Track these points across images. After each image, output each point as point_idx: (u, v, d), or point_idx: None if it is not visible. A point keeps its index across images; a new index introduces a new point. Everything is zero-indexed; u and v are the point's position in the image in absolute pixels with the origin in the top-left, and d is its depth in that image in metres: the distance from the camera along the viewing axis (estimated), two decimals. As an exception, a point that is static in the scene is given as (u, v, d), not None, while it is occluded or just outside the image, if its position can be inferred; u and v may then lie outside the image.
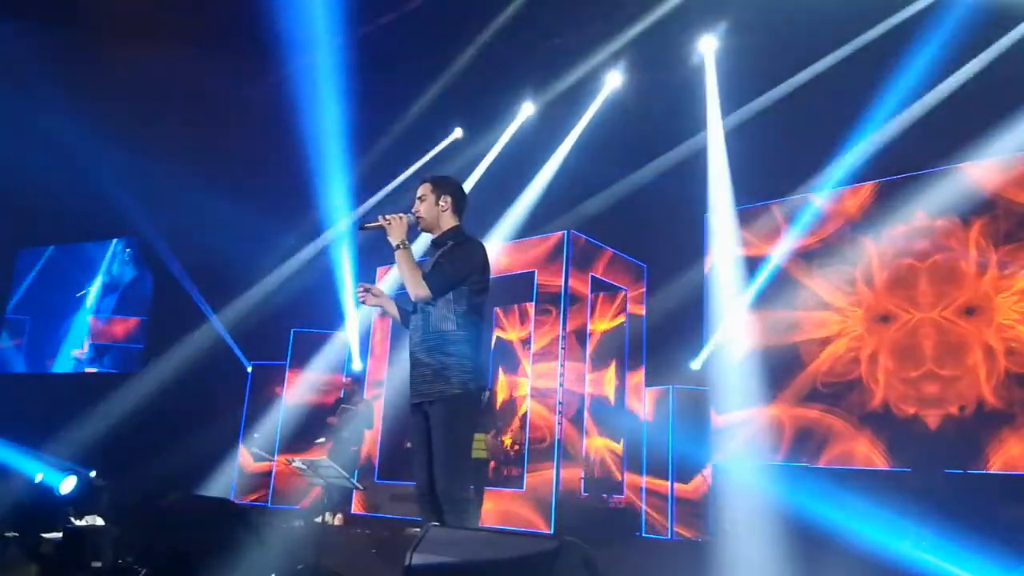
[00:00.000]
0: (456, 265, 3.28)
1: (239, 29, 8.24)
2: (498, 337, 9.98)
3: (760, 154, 7.92)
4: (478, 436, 7.30)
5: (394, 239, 3.29)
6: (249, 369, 10.47)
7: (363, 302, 3.46)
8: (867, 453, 7.30)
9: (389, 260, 9.79)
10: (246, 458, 9.93)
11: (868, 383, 7.39)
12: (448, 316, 3.24)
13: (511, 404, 9.40)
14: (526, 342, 8.80)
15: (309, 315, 10.15)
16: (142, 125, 9.20)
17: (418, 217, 3.39)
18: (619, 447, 8.73)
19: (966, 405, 6.74)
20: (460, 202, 3.46)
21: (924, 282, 7.19)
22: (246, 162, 9.52)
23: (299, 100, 9.25)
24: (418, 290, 3.23)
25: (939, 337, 7.05)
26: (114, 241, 12.15)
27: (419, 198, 3.43)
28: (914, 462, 6.87)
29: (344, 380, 9.10)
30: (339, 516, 8.17)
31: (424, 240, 3.91)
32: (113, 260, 12.19)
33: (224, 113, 9.21)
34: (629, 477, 8.55)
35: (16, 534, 4.61)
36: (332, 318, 10.15)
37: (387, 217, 3.32)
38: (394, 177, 10.20)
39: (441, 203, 3.40)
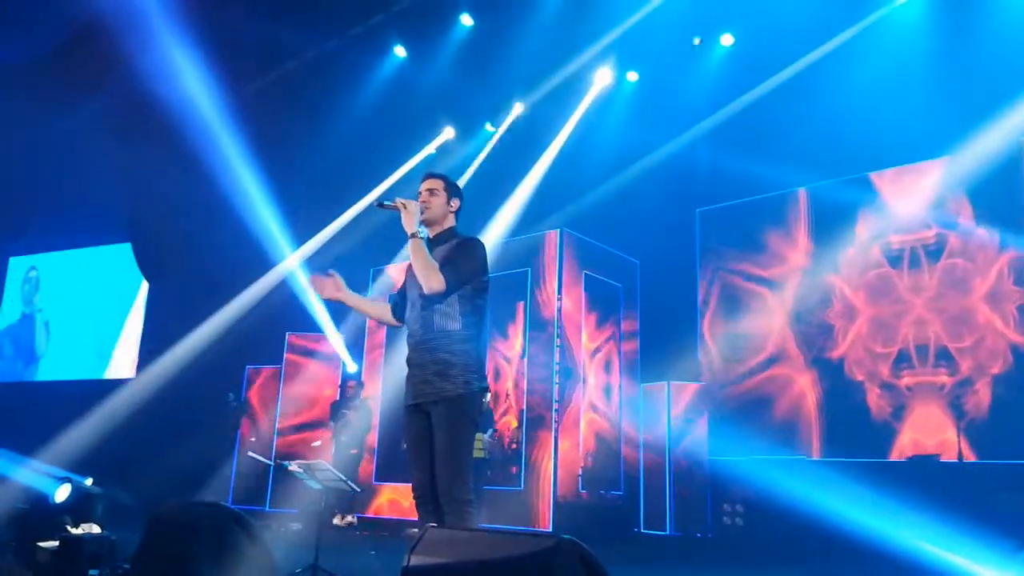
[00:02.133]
0: (469, 262, 3.27)
1: (229, 31, 8.21)
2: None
3: (750, 150, 7.95)
4: (477, 436, 7.30)
5: (409, 227, 3.23)
6: (245, 373, 10.44)
7: (319, 292, 3.39)
8: (803, 390, 7.67)
9: (381, 262, 9.86)
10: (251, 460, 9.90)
11: (837, 334, 7.59)
12: (453, 315, 3.21)
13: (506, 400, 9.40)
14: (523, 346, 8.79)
15: (304, 318, 10.13)
16: (132, 129, 9.18)
17: (426, 207, 3.37)
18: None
19: (1000, 361, 6.77)
20: (461, 208, 3.50)
21: (935, 279, 7.17)
22: (239, 165, 9.48)
23: (288, 101, 9.24)
24: (433, 282, 3.16)
25: (943, 317, 7.10)
26: (108, 247, 12.09)
27: (430, 191, 3.40)
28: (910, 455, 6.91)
29: (349, 383, 9.09)
30: (348, 518, 8.17)
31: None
32: (103, 265, 12.14)
33: (216, 116, 9.18)
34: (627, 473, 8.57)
35: (12, 542, 4.59)
36: (327, 320, 10.14)
37: (404, 202, 3.29)
38: (386, 176, 10.18)
39: (451, 204, 3.42)
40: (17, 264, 13.14)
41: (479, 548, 2.25)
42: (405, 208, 3.25)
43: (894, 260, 7.44)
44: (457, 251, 3.30)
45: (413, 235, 3.22)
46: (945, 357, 7.01)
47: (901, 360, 7.24)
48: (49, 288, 12.70)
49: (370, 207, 10.01)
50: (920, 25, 7.13)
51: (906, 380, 7.20)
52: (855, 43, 7.36)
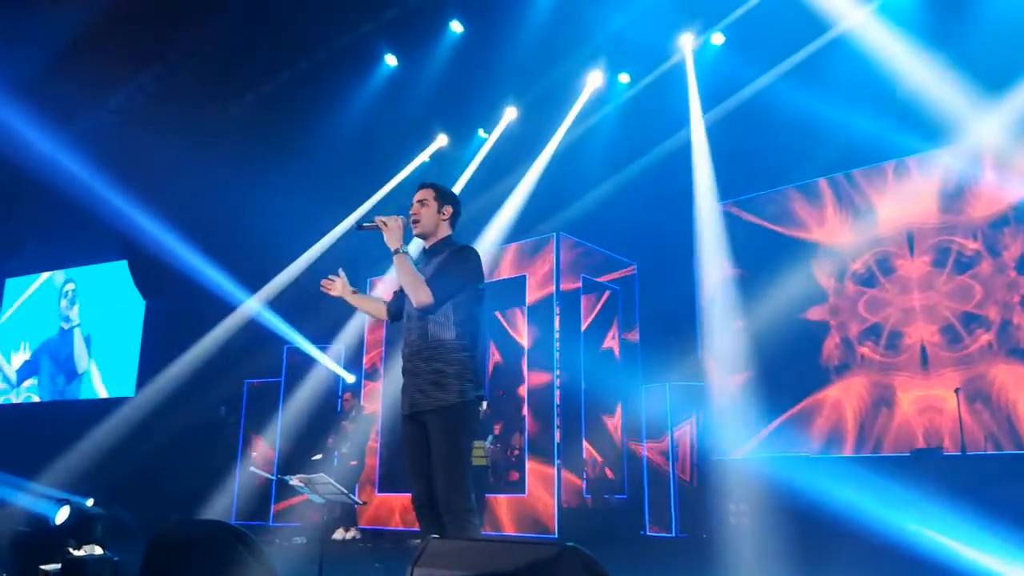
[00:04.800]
0: (460, 273, 3.25)
1: (219, 46, 8.23)
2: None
3: (743, 147, 7.96)
4: (477, 444, 7.29)
5: (392, 243, 3.24)
6: (244, 387, 10.42)
7: (329, 291, 3.53)
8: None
9: (379, 271, 9.85)
10: (249, 475, 9.87)
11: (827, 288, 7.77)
12: (447, 325, 3.20)
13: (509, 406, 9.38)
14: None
15: (303, 331, 10.11)
16: (127, 145, 9.20)
17: (415, 221, 3.36)
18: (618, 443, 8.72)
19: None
20: (457, 214, 3.45)
21: (946, 288, 7.12)
22: (232, 176, 9.48)
23: (281, 114, 9.25)
24: (421, 296, 3.17)
25: (946, 293, 7.11)
26: (107, 264, 12.06)
27: (420, 202, 3.38)
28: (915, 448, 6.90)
29: (345, 395, 9.06)
30: (352, 530, 8.14)
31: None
32: (104, 282, 12.11)
33: (209, 128, 9.19)
34: (631, 475, 8.55)
35: (15, 566, 4.56)
36: (326, 333, 10.13)
37: (384, 219, 3.29)
38: (377, 188, 10.19)
39: (443, 212, 3.39)
40: (14, 284, 13.10)
41: (482, 558, 2.23)
42: (386, 226, 3.26)
43: (868, 280, 7.51)
44: (447, 262, 3.29)
45: (396, 252, 3.22)
46: (974, 320, 6.93)
47: (872, 333, 7.39)
48: (48, 308, 12.64)
49: (367, 217, 10.05)
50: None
51: (864, 351, 7.41)
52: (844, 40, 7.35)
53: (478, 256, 3.36)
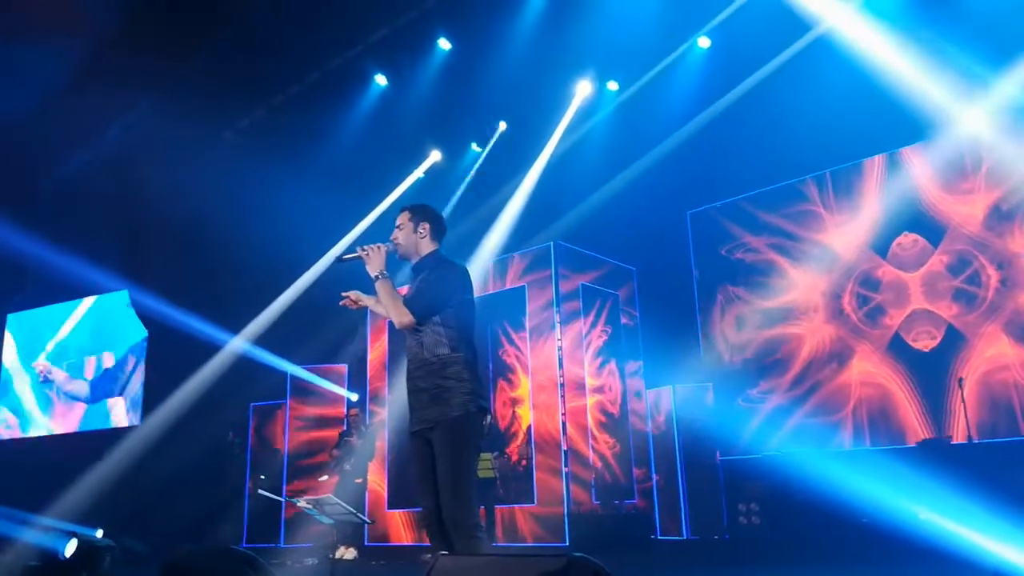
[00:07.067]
0: (436, 288, 3.28)
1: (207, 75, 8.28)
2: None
3: (735, 149, 8.00)
4: (484, 456, 7.29)
5: (373, 270, 3.30)
6: (249, 410, 10.42)
7: (351, 307, 3.54)
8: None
9: (373, 292, 9.81)
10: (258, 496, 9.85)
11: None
12: (440, 340, 3.22)
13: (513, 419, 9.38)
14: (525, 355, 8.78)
15: (305, 350, 10.12)
16: (126, 174, 9.25)
17: (396, 244, 3.41)
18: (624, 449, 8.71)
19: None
20: (438, 227, 3.47)
21: (949, 289, 7.18)
22: (229, 201, 9.52)
23: (273, 137, 9.30)
24: (401, 318, 3.23)
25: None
26: (104, 295, 12.07)
27: (397, 226, 3.45)
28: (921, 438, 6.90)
29: (351, 412, 9.06)
30: (351, 550, 8.12)
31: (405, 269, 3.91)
32: (106, 312, 12.10)
33: (205, 154, 9.24)
34: (639, 480, 8.54)
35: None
36: (328, 352, 10.14)
37: (365, 248, 3.34)
38: (373, 207, 10.22)
39: (420, 230, 3.41)
40: (16, 320, 13.09)
41: (491, 573, 2.24)
42: (367, 254, 3.31)
43: (864, 302, 7.59)
44: (425, 280, 3.34)
45: (376, 278, 3.28)
46: (973, 273, 6.99)
47: (859, 295, 7.54)
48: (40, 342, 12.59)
49: (363, 233, 10.09)
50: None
51: (854, 316, 7.60)
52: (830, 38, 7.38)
53: (460, 269, 3.38)
